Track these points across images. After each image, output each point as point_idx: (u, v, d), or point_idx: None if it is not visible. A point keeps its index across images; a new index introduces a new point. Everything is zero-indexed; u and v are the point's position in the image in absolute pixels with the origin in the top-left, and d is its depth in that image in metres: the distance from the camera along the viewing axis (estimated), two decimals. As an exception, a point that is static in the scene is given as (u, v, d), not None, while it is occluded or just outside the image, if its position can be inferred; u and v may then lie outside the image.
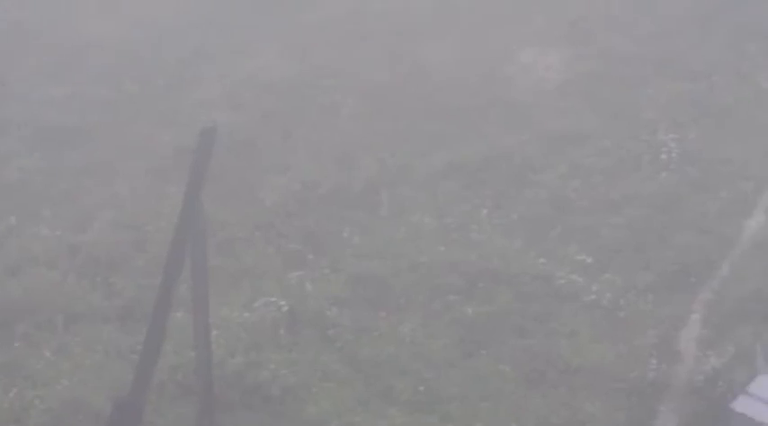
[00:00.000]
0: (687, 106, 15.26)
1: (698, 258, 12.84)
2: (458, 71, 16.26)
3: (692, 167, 14.40)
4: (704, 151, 14.59)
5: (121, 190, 14.04)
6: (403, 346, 11.64)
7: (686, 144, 14.70)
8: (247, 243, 13.20)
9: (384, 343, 11.67)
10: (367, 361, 11.47)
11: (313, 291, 12.36)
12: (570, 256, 12.88)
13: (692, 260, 12.81)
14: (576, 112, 15.36)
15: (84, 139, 15.16)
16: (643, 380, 11.21)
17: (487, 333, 11.85)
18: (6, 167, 14.59)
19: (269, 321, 11.86)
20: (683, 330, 12.01)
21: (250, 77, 16.48)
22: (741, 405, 10.69)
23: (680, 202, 13.94)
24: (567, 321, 12.00)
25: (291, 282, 12.56)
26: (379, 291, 12.42)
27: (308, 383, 11.15)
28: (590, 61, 16.10)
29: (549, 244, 13.23)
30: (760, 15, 16.52)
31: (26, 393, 10.91)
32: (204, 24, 17.62)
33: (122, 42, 17.06)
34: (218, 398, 10.48)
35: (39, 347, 11.50)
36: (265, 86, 16.15)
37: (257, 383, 11.01)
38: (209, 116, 13.30)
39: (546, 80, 15.98)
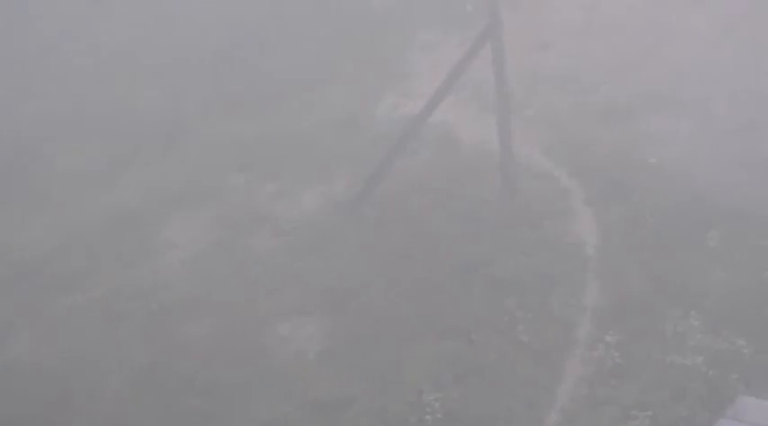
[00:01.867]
0: (449, 365, 18.19)
1: None
2: (217, 346, 19.00)
3: (456, 426, 17.27)
4: (468, 409, 17.49)
5: None
6: None
7: (450, 403, 17.55)
8: None
9: None
10: None
11: None
12: None
13: None
14: (339, 378, 18.11)
15: None
16: None
17: None
18: None
19: None
20: None
21: (9, 365, 18.76)
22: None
23: (447, 462, 16.70)
24: None
25: None
26: None
27: None
28: (349, 326, 19.00)
29: None
30: (516, 269, 19.79)
31: None
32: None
33: None
34: None
35: None
36: (25, 373, 18.45)
37: None
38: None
39: (306, 349, 18.78)
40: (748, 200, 20.96)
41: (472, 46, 20.87)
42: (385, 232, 20.91)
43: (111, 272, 20.74)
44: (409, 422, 17.12)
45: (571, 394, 17.69)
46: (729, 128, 23.01)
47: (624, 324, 18.55)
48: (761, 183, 21.41)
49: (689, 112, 23.69)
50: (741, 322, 18.25)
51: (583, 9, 27.69)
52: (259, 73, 26.35)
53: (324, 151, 23.52)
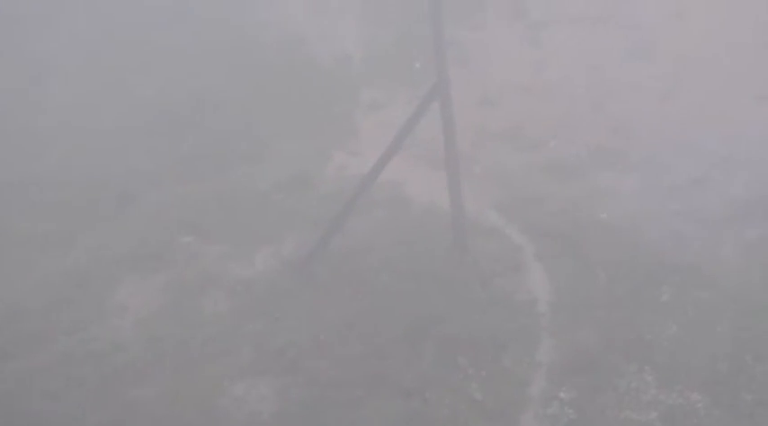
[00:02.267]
0: (403, 424, 18.28)
1: None
2: (171, 409, 19.01)
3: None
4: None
5: None
6: None
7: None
8: None
9: None
10: None
11: None
12: None
13: None
14: (293, 441, 18.28)
15: None
16: None
17: None
18: None
19: None
20: None
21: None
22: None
23: None
24: None
25: None
26: None
27: None
28: (301, 389, 19.10)
29: None
30: (469, 327, 20.02)
31: None
32: None
33: None
34: None
35: None
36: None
37: None
38: None
39: (260, 411, 18.85)
40: (698, 255, 21.42)
41: (420, 104, 21.14)
42: (337, 291, 21.09)
43: (63, 336, 20.77)
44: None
45: (526, 452, 18.10)
46: (677, 183, 23.55)
47: (578, 381, 18.82)
48: (710, 238, 21.90)
49: (637, 167, 24.24)
50: (695, 376, 18.61)
51: (530, 66, 28.25)
52: (208, 134, 26.61)
53: (274, 211, 23.71)
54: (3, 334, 20.98)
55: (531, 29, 29.83)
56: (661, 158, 24.41)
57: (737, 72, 26.85)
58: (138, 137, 26.66)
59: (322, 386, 19.08)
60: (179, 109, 27.48)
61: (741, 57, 27.35)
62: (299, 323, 20.51)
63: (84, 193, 24.75)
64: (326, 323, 20.39)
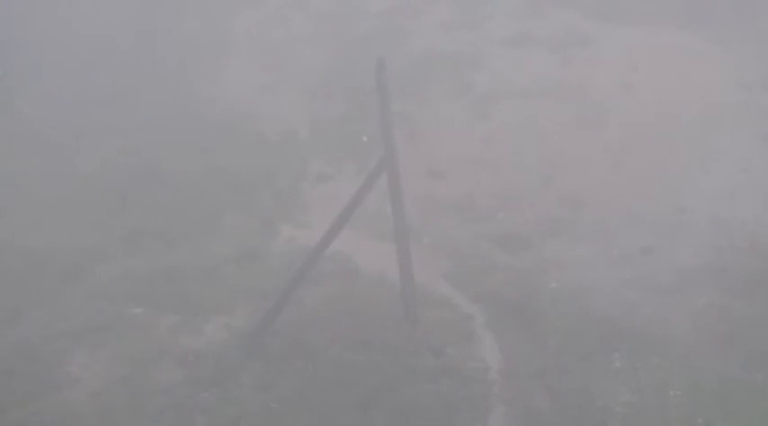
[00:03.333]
0: (358, 492, 18.89)
1: None
2: None
3: None
4: None
5: None
6: None
7: None
8: None
9: None
10: None
11: None
12: None
13: None
14: None
15: None
16: None
17: None
18: None
19: None
20: None
21: None
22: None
23: None
24: None
25: None
26: None
27: None
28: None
29: None
30: (420, 396, 20.30)
31: None
32: None
33: None
34: None
35: None
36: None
37: None
38: None
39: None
40: (649, 322, 22.13)
41: (368, 176, 21.59)
42: (288, 362, 21.40)
43: (16, 407, 20.79)
44: None
45: None
46: (626, 252, 24.38)
47: (530, 448, 19.35)
48: (660, 305, 22.64)
49: (587, 237, 25.04)
50: (647, 441, 19.24)
51: (478, 139, 29.02)
52: (154, 208, 26.91)
53: (223, 283, 24.04)
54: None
55: (479, 102, 30.66)
56: (610, 227, 25.24)
57: (684, 142, 27.86)
58: (82, 212, 26.90)
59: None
60: (123, 184, 27.77)
61: (687, 128, 28.38)
62: (250, 393, 20.79)
63: (30, 267, 24.87)
64: (278, 393, 20.66)
